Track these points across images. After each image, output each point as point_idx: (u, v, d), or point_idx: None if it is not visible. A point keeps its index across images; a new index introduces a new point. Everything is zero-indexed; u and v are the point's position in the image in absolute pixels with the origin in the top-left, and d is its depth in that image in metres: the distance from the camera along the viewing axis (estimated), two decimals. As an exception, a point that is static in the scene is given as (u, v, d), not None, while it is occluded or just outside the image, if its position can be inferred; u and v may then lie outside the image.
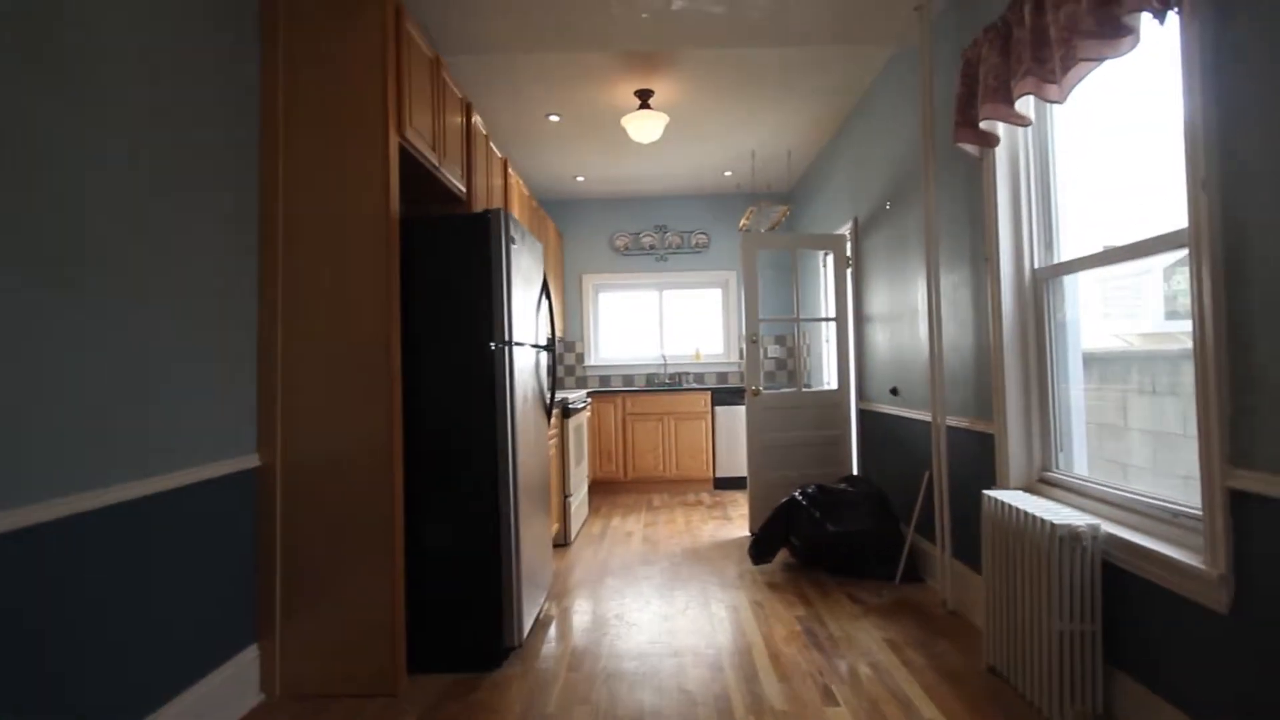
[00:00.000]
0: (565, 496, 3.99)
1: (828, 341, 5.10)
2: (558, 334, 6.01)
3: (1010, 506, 2.10)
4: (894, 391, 3.57)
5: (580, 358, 6.40)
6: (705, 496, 5.47)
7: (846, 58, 3.56)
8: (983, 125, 2.31)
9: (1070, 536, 1.86)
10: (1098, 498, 2.07)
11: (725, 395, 5.73)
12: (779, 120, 4.46)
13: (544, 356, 3.12)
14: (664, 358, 6.32)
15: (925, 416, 3.12)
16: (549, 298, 3.11)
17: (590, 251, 6.43)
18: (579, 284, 6.43)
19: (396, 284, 2.26)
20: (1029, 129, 2.39)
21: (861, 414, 4.21)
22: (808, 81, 3.85)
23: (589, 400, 5.28)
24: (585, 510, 4.66)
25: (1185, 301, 2.62)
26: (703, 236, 6.34)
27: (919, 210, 3.18)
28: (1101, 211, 2.23)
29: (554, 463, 3.82)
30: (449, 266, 2.41)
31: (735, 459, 5.67)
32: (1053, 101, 1.98)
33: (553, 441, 3.79)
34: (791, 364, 6.34)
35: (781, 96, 4.06)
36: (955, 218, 2.80)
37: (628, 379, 6.38)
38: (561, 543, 3.98)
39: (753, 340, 4.14)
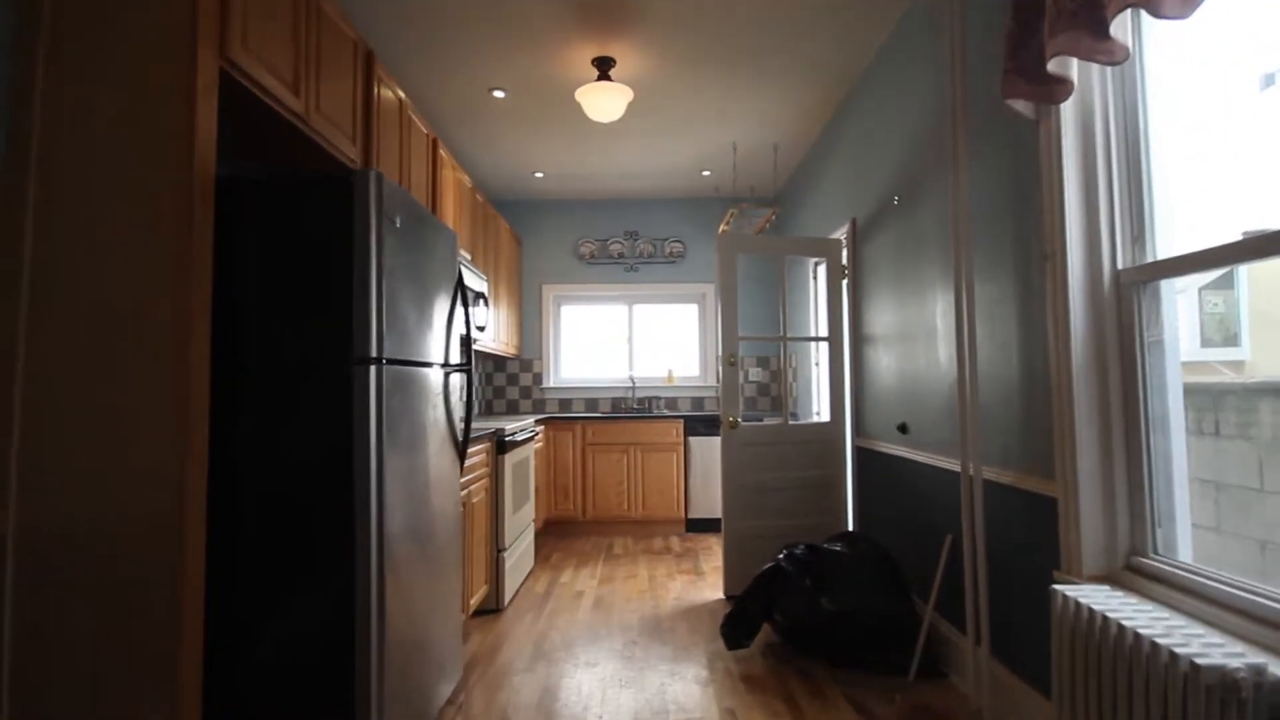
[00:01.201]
0: (498, 551, 3.24)
1: (818, 365, 4.43)
2: (514, 351, 5.28)
3: (1105, 618, 1.40)
4: (902, 429, 2.89)
5: (538, 378, 5.67)
6: (675, 542, 4.73)
7: (845, 20, 2.93)
8: (1051, 67, 1.66)
9: (1222, 685, 1.17)
10: (1238, 608, 1.38)
11: (700, 424, 5.02)
12: (763, 106, 3.82)
13: (458, 379, 2.40)
14: (632, 380, 5.62)
15: (947, 464, 2.44)
16: (465, 305, 2.40)
17: (552, 259, 5.73)
18: (539, 295, 5.72)
19: (206, 272, 1.53)
20: (1108, 72, 1.75)
21: (859, 453, 3.52)
22: (798, 50, 3.21)
23: (539, 429, 4.54)
24: (530, 560, 3.90)
25: (1227, 326, 2.01)
26: (678, 245, 5.68)
27: (940, 202, 2.53)
28: (1230, 185, 1.58)
29: (483, 510, 3.08)
30: (292, 251, 1.69)
31: (710, 498, 4.95)
32: (1171, 17, 1.34)
33: (480, 484, 3.05)
34: (776, 390, 5.67)
35: (766, 74, 3.42)
36: (994, 207, 2.14)
37: (591, 403, 5.66)
38: (493, 608, 3.22)
39: (730, 362, 3.45)
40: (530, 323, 5.70)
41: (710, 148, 4.51)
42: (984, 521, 2.15)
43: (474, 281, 3.80)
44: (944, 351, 2.51)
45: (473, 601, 2.89)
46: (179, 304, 1.48)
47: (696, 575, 3.88)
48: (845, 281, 3.67)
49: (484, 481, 3.11)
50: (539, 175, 5.05)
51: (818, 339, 3.81)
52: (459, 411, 2.43)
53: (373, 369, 1.68)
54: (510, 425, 3.51)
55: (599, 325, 5.80)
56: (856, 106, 3.54)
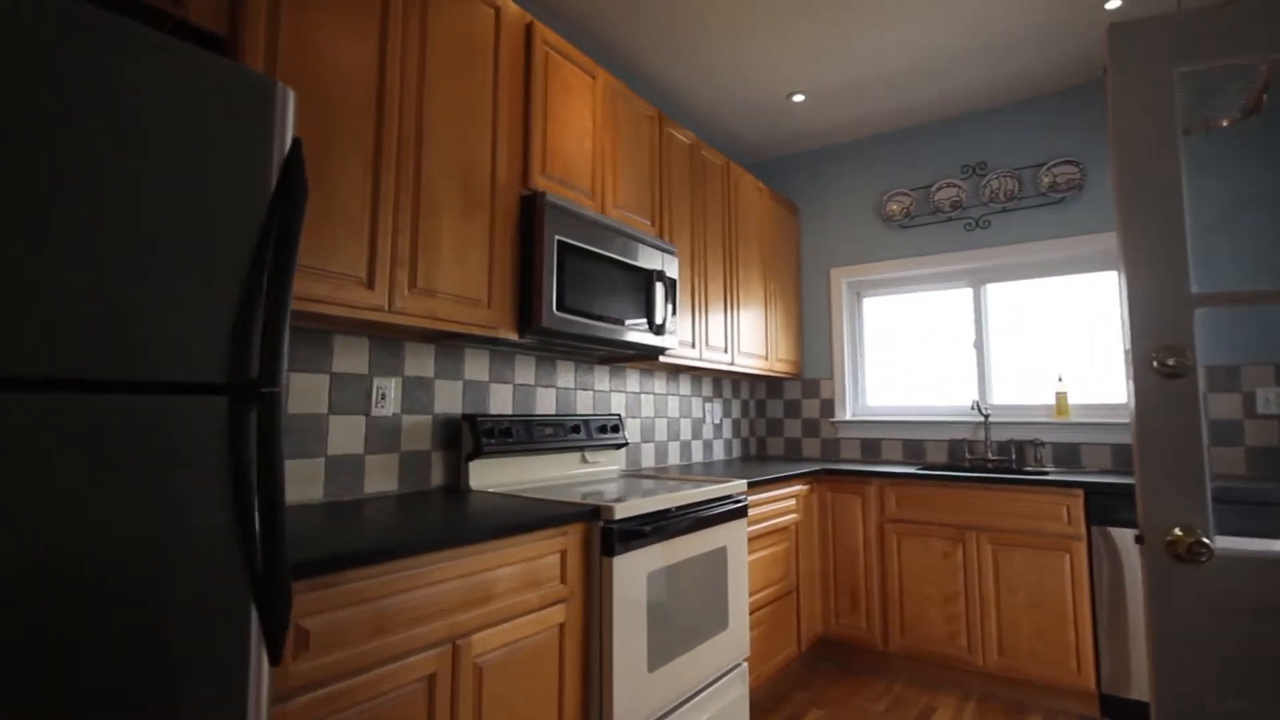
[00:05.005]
0: (600, 746, 1.68)
1: None
2: (791, 369, 3.61)
3: None
4: None
5: (828, 407, 3.82)
6: (1067, 742, 2.34)
7: None
8: None
9: None
10: None
11: (1123, 503, 2.50)
12: None
13: (223, 423, 1.00)
14: (981, 410, 3.30)
15: None
16: (286, 236, 1.00)
17: (843, 231, 3.85)
18: (826, 284, 3.90)
19: None
20: None
21: None
22: None
23: (755, 496, 2.76)
24: (736, 737, 2.18)
25: None
26: (1067, 170, 3.18)
27: None
28: None
29: (540, 671, 1.57)
30: None
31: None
32: None
33: (557, 606, 1.56)
34: (1333, 432, 2.64)
35: None
36: None
37: (914, 447, 3.53)
38: None
39: (1165, 368, 1.22)
40: (815, 326, 3.91)
41: (1110, -73, 2.16)
42: None
43: (646, 256, 2.36)
44: None
45: None
46: None
47: None
48: None
49: (556, 611, 1.60)
50: (797, 98, 3.32)
51: None
52: (242, 507, 1.03)
53: None
54: (650, 502, 1.91)
55: (922, 322, 3.65)
56: None
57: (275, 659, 0.97)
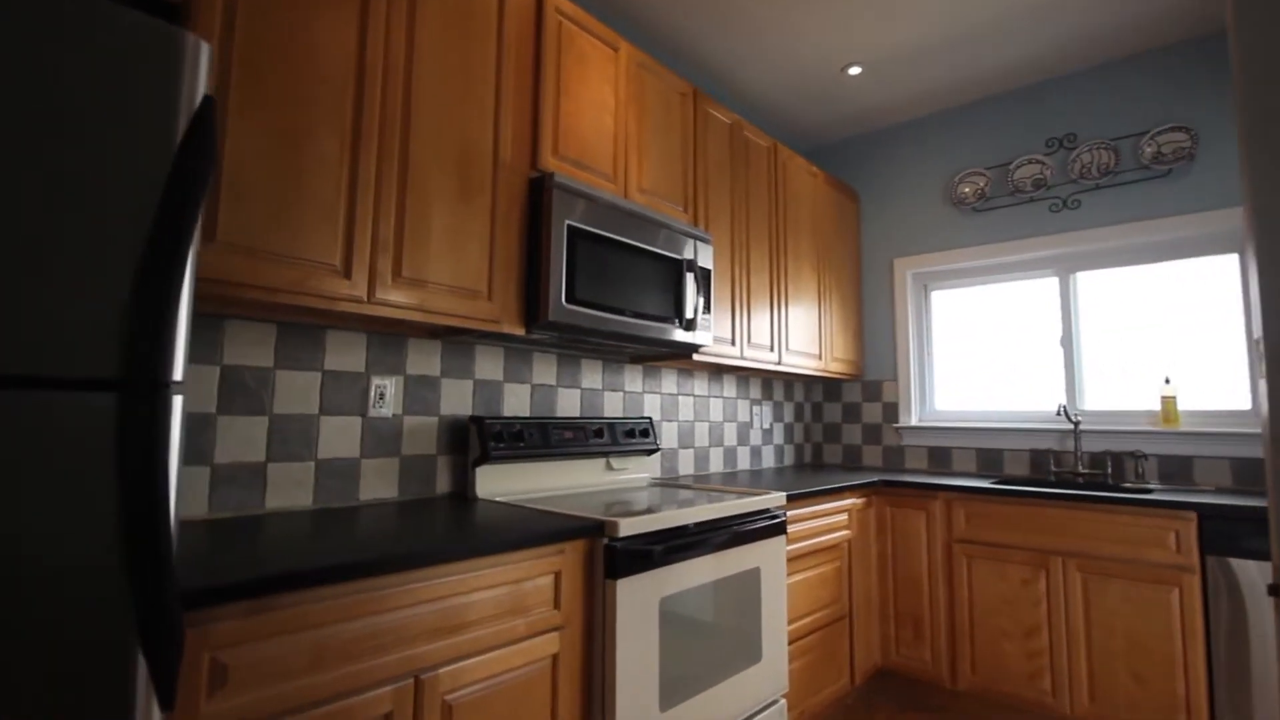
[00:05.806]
0: (601, 795, 1.47)
1: None
2: (850, 370, 3.31)
3: None
4: None
5: (892, 411, 3.47)
6: (1176, 815, 1.95)
7: None
8: None
9: None
10: None
11: (1248, 529, 2.09)
12: None
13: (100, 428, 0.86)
14: (1069, 416, 2.89)
15: None
16: (184, 206, 0.86)
17: (908, 217, 3.50)
18: (889, 276, 3.56)
19: None
20: None
21: None
22: None
23: (792, 512, 2.49)
24: (771, 783, 1.93)
25: None
26: (1176, 139, 2.74)
27: None
28: None
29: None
30: None
31: (1295, 722, 1.95)
32: None
33: (549, 635, 1.38)
34: None
35: None
36: None
37: (990, 457, 3.15)
38: None
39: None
40: (877, 323, 3.58)
41: None
42: None
43: (675, 244, 2.15)
44: None
45: None
46: None
47: None
48: None
49: (547, 641, 1.42)
50: (854, 71, 3.01)
51: None
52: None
53: None
54: (663, 518, 1.70)
55: (1000, 317, 3.25)
56: None
57: (167, 702, 0.83)
